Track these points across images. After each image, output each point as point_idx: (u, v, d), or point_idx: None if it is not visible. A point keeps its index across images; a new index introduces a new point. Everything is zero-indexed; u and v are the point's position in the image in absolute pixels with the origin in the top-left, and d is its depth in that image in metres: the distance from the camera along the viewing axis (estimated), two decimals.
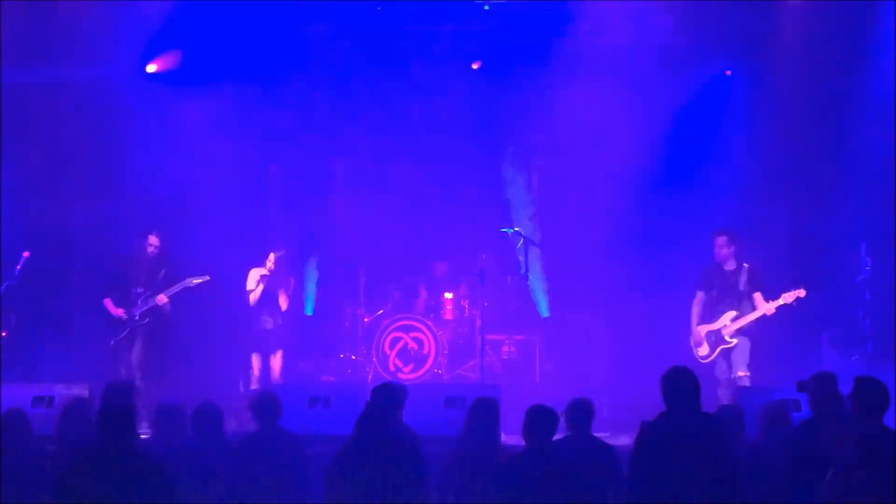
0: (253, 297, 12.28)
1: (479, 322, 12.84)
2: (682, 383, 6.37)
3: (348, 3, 13.22)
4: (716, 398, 10.70)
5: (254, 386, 12.10)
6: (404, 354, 13.19)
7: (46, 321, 12.89)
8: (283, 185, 13.92)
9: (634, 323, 13.35)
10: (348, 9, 13.26)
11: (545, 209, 13.79)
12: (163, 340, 12.08)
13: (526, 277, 12.93)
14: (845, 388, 6.91)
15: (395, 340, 13.23)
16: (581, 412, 7.62)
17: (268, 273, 12.19)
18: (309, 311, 13.74)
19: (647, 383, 12.44)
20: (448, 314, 13.51)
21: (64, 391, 10.05)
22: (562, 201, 13.66)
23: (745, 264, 11.46)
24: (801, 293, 11.09)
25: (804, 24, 12.81)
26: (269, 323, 12.30)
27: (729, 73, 13.36)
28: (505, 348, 13.46)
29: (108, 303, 11.94)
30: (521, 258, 12.62)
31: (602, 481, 7.18)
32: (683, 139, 13.22)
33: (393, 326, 13.27)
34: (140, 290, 11.91)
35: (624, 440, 8.80)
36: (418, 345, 13.18)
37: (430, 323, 13.26)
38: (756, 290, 11.35)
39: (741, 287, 11.39)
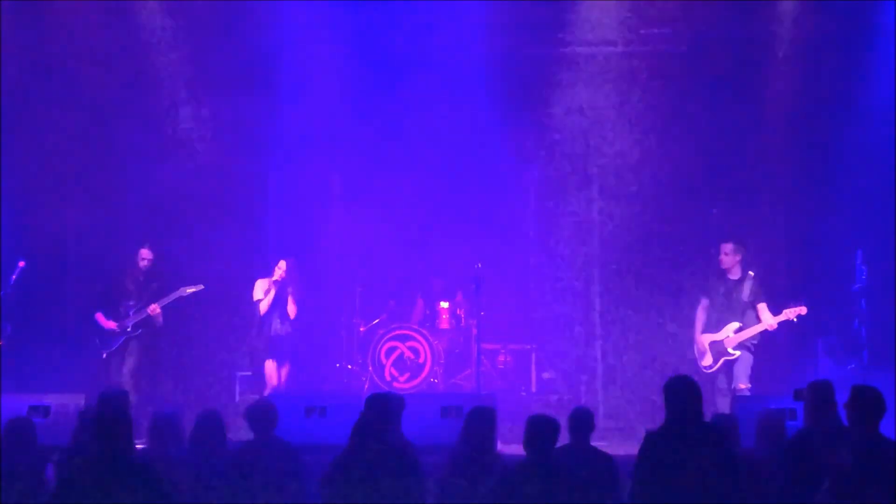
0: (264, 305, 12.26)
1: (474, 331, 12.83)
2: (685, 392, 6.37)
3: (345, 11, 13.27)
4: (714, 408, 10.69)
5: (268, 393, 12.08)
6: (400, 364, 13.17)
7: (41, 331, 12.87)
8: (280, 195, 13.89)
9: (630, 331, 13.35)
10: (346, 17, 13.30)
11: (543, 216, 13.78)
12: (155, 351, 12.08)
13: None
14: (841, 396, 6.91)
15: (392, 350, 13.21)
16: (582, 422, 7.61)
17: (280, 280, 12.19)
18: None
19: (642, 392, 12.67)
20: (444, 323, 13.50)
21: (60, 401, 10.07)
22: (559, 209, 13.66)
23: (750, 273, 11.42)
24: (803, 310, 11.03)
25: (800, 31, 12.82)
26: (281, 330, 12.30)
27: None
28: (501, 357, 13.44)
29: (99, 316, 11.94)
30: None
31: (601, 491, 7.16)
32: (681, 147, 13.21)
33: (389, 336, 13.25)
34: (132, 302, 11.89)
35: (618, 449, 8.80)
36: (414, 354, 13.17)
37: (426, 332, 13.25)
38: (760, 301, 11.31)
39: (745, 297, 11.33)
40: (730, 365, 11.27)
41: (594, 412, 8.23)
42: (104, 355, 11.88)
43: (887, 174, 12.34)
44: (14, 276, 11.72)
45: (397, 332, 13.29)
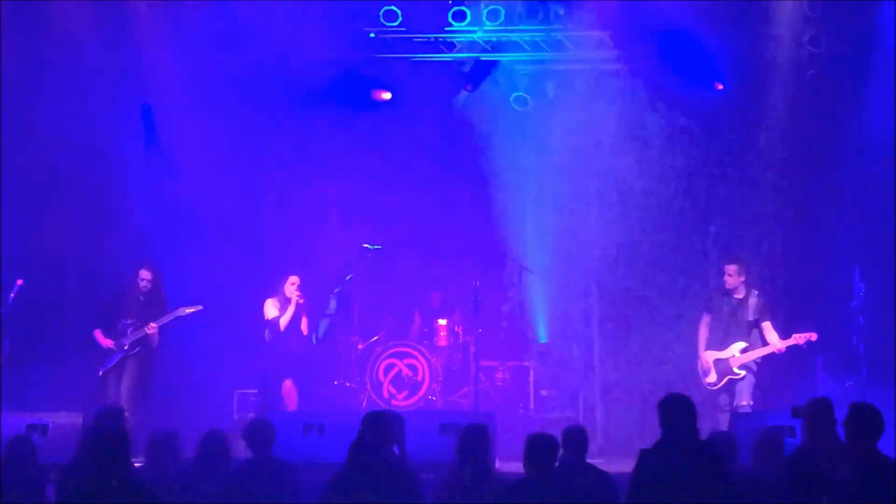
0: (284, 321, 12.28)
1: (472, 348, 12.82)
2: (680, 410, 6.37)
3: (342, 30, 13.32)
4: (714, 425, 10.68)
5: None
6: (398, 381, 13.15)
7: (40, 349, 12.86)
8: (279, 213, 13.90)
9: (628, 348, 13.36)
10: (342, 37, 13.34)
11: (539, 233, 13.79)
12: (152, 369, 12.06)
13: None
14: (840, 413, 6.90)
15: (390, 367, 13.19)
16: (576, 439, 7.61)
17: (298, 296, 12.20)
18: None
19: (640, 410, 12.65)
20: (442, 340, 13.47)
21: (58, 419, 10.06)
22: (557, 226, 13.67)
23: (754, 292, 11.44)
24: (813, 336, 11.09)
25: (799, 49, 12.84)
26: (298, 347, 12.34)
27: (720, 87, 13.29)
28: (499, 375, 13.41)
29: (97, 334, 11.93)
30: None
31: None
32: (680, 165, 13.23)
33: (387, 353, 13.23)
34: (130, 321, 11.88)
35: (618, 467, 8.78)
36: (412, 371, 13.15)
37: (424, 350, 13.23)
38: (766, 320, 11.34)
39: (750, 316, 11.36)
40: (733, 383, 11.28)
41: (593, 429, 8.24)
42: (101, 373, 11.87)
43: (885, 191, 12.36)
44: (13, 295, 11.71)
45: (395, 349, 13.27)
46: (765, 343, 11.32)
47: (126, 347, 11.83)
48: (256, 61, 13.21)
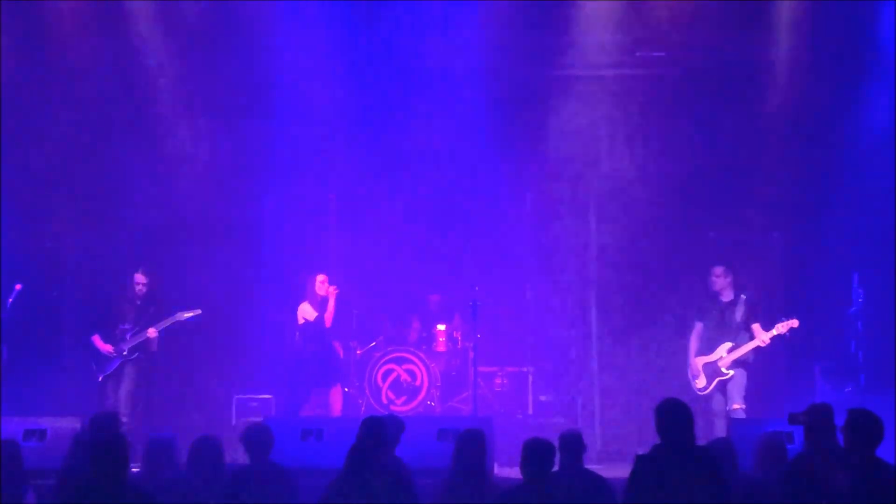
0: (329, 316, 12.31)
1: (471, 354, 12.81)
2: (676, 415, 6.36)
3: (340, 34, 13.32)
4: (711, 431, 10.68)
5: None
6: (397, 387, 13.14)
7: (38, 354, 12.85)
8: (277, 217, 13.88)
9: (626, 354, 13.36)
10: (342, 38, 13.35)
11: (539, 239, 13.79)
12: (151, 374, 12.06)
13: None
14: (839, 419, 6.90)
15: (388, 372, 13.18)
16: (572, 445, 7.60)
17: (334, 288, 12.23)
18: None
19: (639, 416, 12.64)
20: (441, 346, 13.46)
21: (56, 424, 10.05)
22: (555, 232, 13.68)
23: (742, 295, 11.44)
24: (795, 323, 11.08)
25: (796, 53, 12.84)
26: (341, 352, 12.39)
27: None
28: (498, 380, 13.41)
29: (96, 339, 11.93)
30: None
31: None
32: (677, 169, 13.22)
33: (385, 358, 13.22)
34: (128, 326, 11.89)
35: (615, 472, 8.78)
36: (411, 377, 13.14)
37: (422, 355, 13.22)
38: (754, 322, 11.33)
39: (738, 318, 11.37)
40: (724, 385, 11.29)
41: (592, 435, 8.23)
42: (100, 378, 11.87)
43: (884, 196, 12.34)
44: (10, 299, 11.71)
45: (394, 354, 13.26)
46: None
47: (126, 353, 11.83)
48: (256, 61, 13.21)
